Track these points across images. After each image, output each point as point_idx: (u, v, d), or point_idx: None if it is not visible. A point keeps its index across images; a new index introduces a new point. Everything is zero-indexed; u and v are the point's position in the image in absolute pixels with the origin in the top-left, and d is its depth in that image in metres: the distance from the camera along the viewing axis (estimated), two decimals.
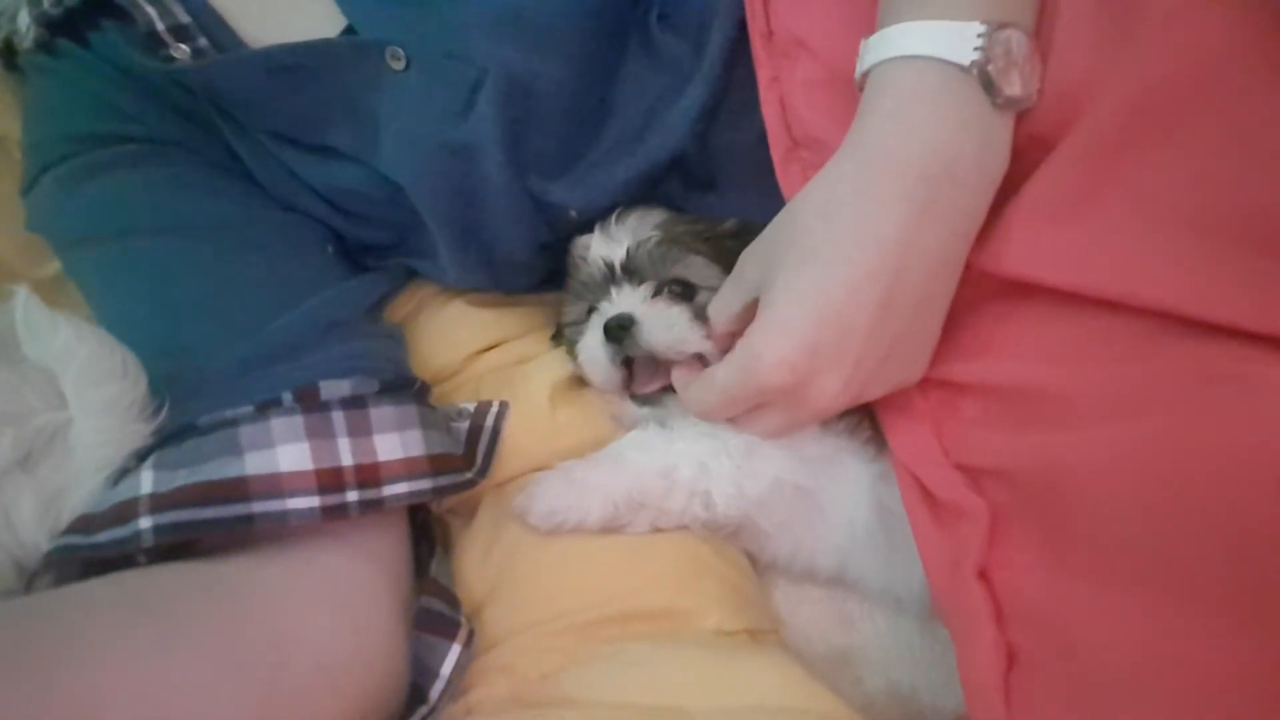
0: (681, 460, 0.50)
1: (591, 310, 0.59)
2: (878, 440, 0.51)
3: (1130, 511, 0.34)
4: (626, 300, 0.56)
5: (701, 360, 0.54)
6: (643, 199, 0.62)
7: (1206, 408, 0.33)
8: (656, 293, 0.57)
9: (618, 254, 0.58)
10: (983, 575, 0.40)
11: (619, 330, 0.54)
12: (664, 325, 0.54)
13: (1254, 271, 0.34)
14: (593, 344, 0.56)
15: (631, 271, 0.58)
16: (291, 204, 0.63)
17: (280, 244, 0.61)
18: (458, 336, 0.66)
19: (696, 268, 0.58)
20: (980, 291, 0.44)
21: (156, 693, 0.38)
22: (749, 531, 0.54)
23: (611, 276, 0.58)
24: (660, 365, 0.55)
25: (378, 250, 0.67)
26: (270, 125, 0.61)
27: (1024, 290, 0.41)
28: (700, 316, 0.54)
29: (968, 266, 0.43)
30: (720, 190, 0.63)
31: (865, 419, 0.52)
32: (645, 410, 0.57)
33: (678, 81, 0.58)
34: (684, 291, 0.57)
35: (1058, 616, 0.36)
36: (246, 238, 0.59)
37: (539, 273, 0.66)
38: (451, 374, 0.65)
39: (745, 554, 0.56)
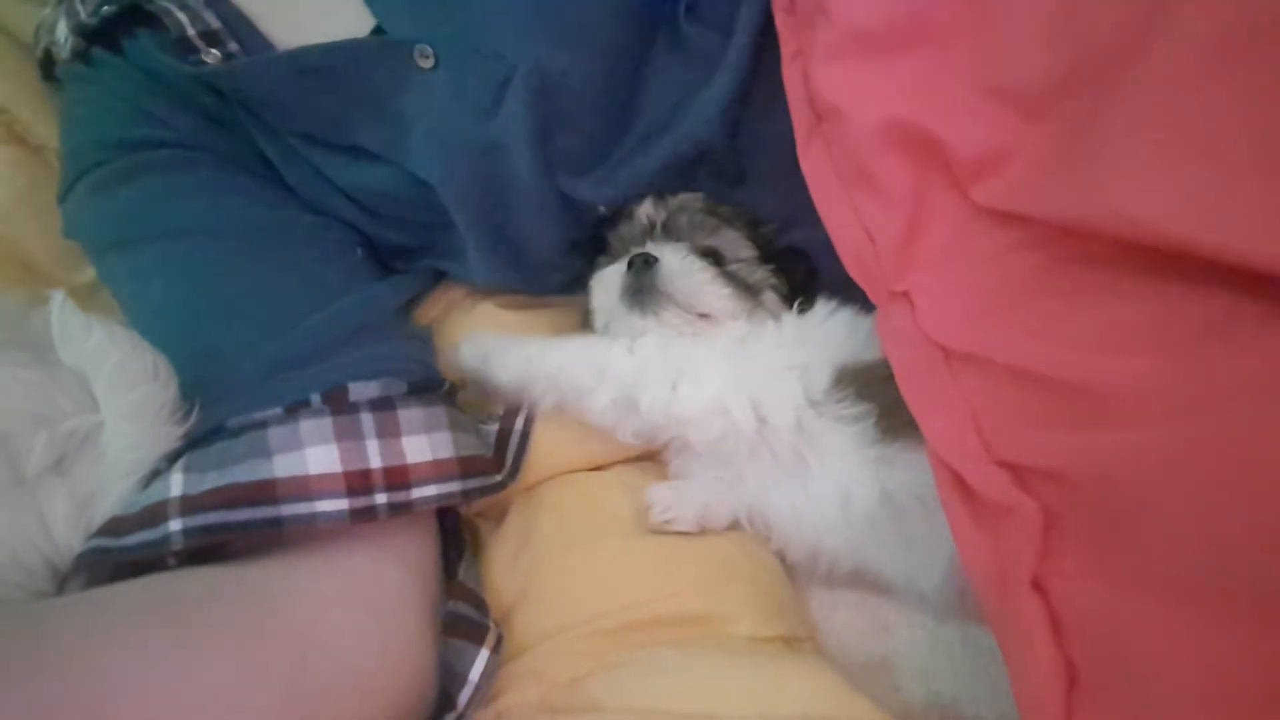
0: (624, 357, 0.52)
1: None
2: (884, 424, 0.50)
3: (1194, 521, 0.32)
4: (658, 250, 0.59)
5: (705, 320, 0.57)
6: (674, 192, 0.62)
7: (1272, 407, 0.31)
8: (688, 253, 0.59)
9: (660, 215, 0.61)
10: (1036, 585, 0.37)
11: (643, 265, 0.57)
12: (684, 272, 0.57)
13: None
14: (612, 273, 0.59)
15: (670, 230, 0.61)
16: (321, 207, 0.63)
17: (310, 247, 0.61)
18: None
19: (730, 241, 0.61)
20: (1043, 256, 0.41)
21: (176, 692, 0.38)
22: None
23: (651, 233, 0.61)
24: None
25: (407, 252, 0.68)
26: (300, 127, 0.61)
27: (1087, 259, 0.39)
28: (722, 282, 0.57)
29: (1041, 223, 0.41)
30: (750, 184, 0.63)
31: (870, 404, 0.51)
32: (635, 332, 0.57)
33: (706, 74, 0.57)
34: (714, 259, 0.60)
35: (1120, 632, 0.33)
36: (277, 241, 0.60)
37: (568, 272, 0.66)
38: None
39: (779, 560, 0.56)
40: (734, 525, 0.56)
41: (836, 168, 0.53)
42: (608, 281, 0.59)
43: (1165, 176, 0.35)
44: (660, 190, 0.62)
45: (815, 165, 0.53)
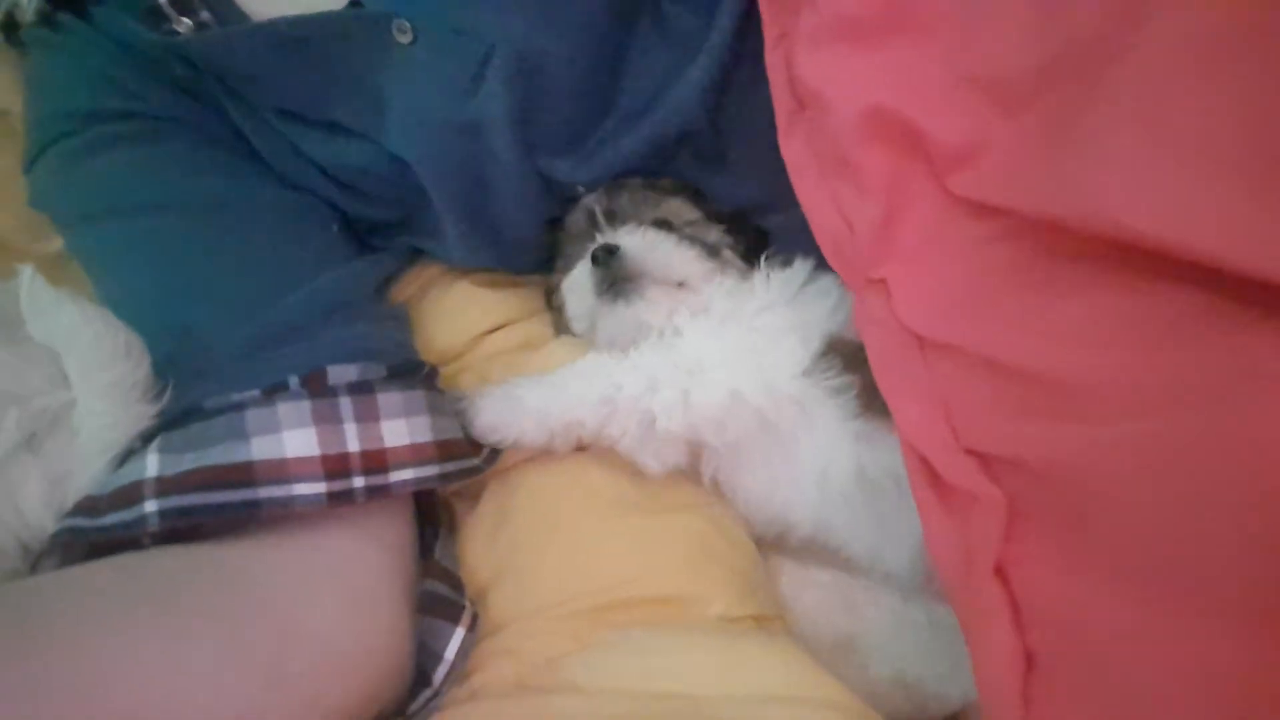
0: (628, 378, 0.51)
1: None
2: (865, 399, 0.50)
3: (1156, 514, 0.33)
4: (613, 237, 0.58)
5: (683, 288, 0.57)
6: (654, 174, 0.62)
7: (1240, 405, 0.31)
8: (643, 230, 0.59)
9: (602, 203, 0.61)
10: (999, 571, 0.39)
11: (606, 256, 0.56)
12: (649, 247, 0.57)
13: None
14: (579, 274, 0.58)
15: (615, 215, 0.60)
16: (297, 182, 0.63)
17: (285, 222, 0.60)
18: (464, 317, 0.65)
19: (675, 208, 0.61)
20: (1017, 247, 0.42)
21: (157, 675, 0.38)
22: (695, 454, 0.55)
23: (597, 224, 0.61)
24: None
25: (383, 229, 0.67)
26: (275, 101, 0.60)
27: (1062, 252, 0.39)
28: (687, 244, 0.57)
29: (1017, 215, 0.41)
30: (731, 166, 0.63)
31: (854, 376, 0.51)
32: (622, 323, 0.57)
33: (688, 56, 0.57)
34: (666, 229, 0.59)
35: (1077, 620, 0.35)
36: (251, 216, 0.59)
37: (545, 251, 0.65)
38: (457, 355, 0.65)
39: (751, 538, 0.56)
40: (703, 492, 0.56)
41: (817, 155, 0.54)
42: (579, 283, 0.58)
43: (1149, 178, 0.35)
44: (598, 182, 0.62)
45: (796, 151, 0.54)
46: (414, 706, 0.46)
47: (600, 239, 0.58)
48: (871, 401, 0.50)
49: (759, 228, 0.63)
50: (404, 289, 0.68)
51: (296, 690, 0.42)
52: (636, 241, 0.57)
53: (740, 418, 0.51)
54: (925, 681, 0.50)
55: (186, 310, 0.54)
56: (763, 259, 0.58)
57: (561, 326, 0.64)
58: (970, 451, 0.43)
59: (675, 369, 0.51)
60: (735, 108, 0.59)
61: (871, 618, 0.54)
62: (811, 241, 0.51)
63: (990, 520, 0.41)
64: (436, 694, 0.47)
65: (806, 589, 0.55)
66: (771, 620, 0.51)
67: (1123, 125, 0.38)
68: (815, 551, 0.55)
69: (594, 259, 0.56)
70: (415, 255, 0.69)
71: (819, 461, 0.51)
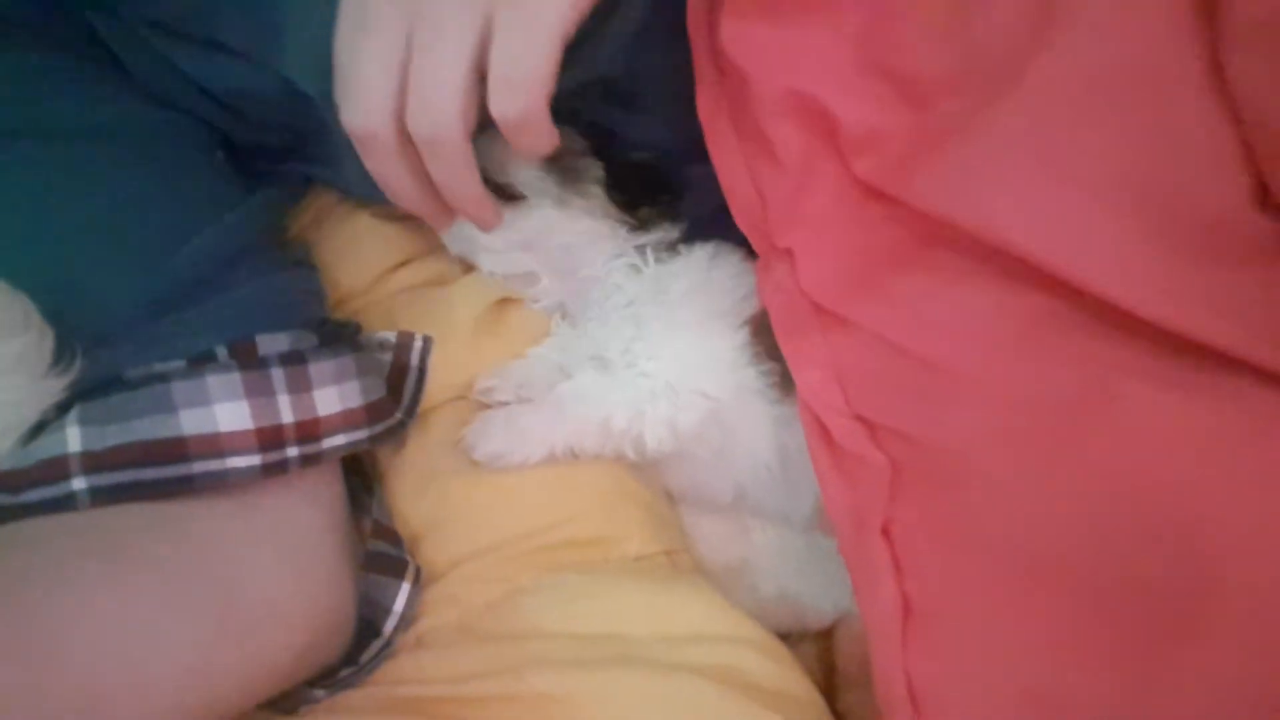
0: (617, 410, 0.54)
1: None
2: (784, 384, 0.55)
3: (1015, 498, 0.41)
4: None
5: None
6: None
7: (1088, 418, 0.39)
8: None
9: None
10: (884, 531, 0.46)
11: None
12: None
13: (1168, 263, 0.36)
14: None
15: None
16: (171, 101, 0.56)
17: (165, 152, 0.55)
18: (367, 254, 0.64)
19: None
20: (908, 233, 0.46)
21: (110, 629, 0.39)
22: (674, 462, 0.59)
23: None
24: None
25: (271, 154, 0.62)
26: (148, 12, 0.53)
27: (944, 242, 0.44)
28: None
29: (902, 204, 0.44)
30: (639, 109, 0.63)
31: (776, 361, 0.55)
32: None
33: (601, 7, 0.55)
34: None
35: (945, 578, 0.43)
36: (125, 144, 0.53)
37: None
38: (361, 294, 0.64)
39: None
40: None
41: (734, 120, 0.55)
42: None
43: (1040, 208, 0.40)
44: None
45: (711, 111, 0.55)
46: (365, 656, 0.50)
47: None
48: (789, 384, 0.54)
49: (653, 182, 0.62)
50: (297, 219, 0.65)
51: (243, 644, 0.44)
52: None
53: (710, 421, 0.55)
54: (803, 597, 0.60)
55: (66, 259, 0.49)
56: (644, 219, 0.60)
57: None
58: (859, 418, 0.50)
59: (658, 399, 0.53)
60: (652, 54, 0.58)
61: (759, 543, 0.62)
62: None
63: (876, 482, 0.48)
64: (387, 644, 0.50)
65: (703, 519, 0.62)
66: (678, 553, 0.58)
67: (1019, 149, 0.42)
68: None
69: None
70: (307, 182, 0.65)
71: (751, 450, 0.56)
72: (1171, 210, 0.37)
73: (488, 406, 0.58)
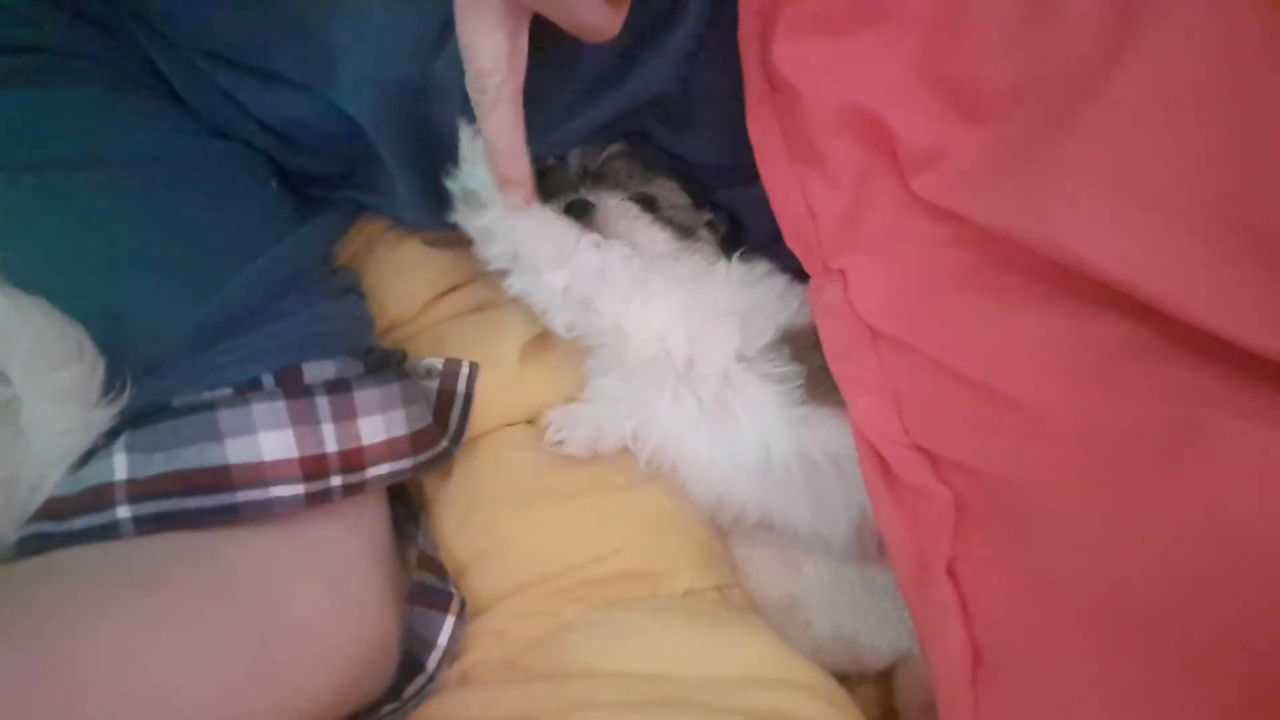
0: (587, 253, 0.52)
1: None
2: (810, 386, 0.53)
3: (1091, 540, 0.38)
4: (594, 196, 0.58)
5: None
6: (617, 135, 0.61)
7: (1171, 457, 0.36)
8: (624, 198, 0.59)
9: (592, 164, 0.60)
10: (950, 571, 0.43)
11: (580, 209, 0.56)
12: (621, 214, 0.57)
13: (1258, 286, 0.34)
14: None
15: (603, 178, 0.60)
16: (227, 131, 0.57)
17: (219, 180, 0.55)
18: (415, 281, 0.64)
19: (664, 188, 0.61)
20: (972, 253, 0.44)
21: (144, 660, 0.39)
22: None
23: (584, 181, 0.60)
24: None
25: (324, 182, 0.63)
26: (204, 44, 0.54)
27: (1011, 264, 0.42)
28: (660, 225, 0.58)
29: (966, 223, 0.43)
30: (696, 129, 0.62)
31: (800, 365, 0.54)
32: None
33: (660, 21, 0.55)
34: (648, 205, 0.60)
35: (1015, 623, 0.40)
36: (181, 172, 0.54)
37: None
38: (409, 320, 0.63)
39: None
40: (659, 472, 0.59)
41: (786, 138, 0.54)
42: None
43: (1113, 224, 0.38)
44: (590, 140, 0.60)
45: (762, 129, 0.54)
46: (409, 691, 0.49)
47: (581, 194, 0.58)
48: (816, 389, 0.53)
49: (738, 223, 0.63)
50: (347, 244, 0.65)
51: (282, 677, 0.44)
52: (612, 205, 0.57)
53: (655, 352, 0.53)
54: (859, 635, 0.57)
55: (118, 286, 0.49)
56: (735, 256, 0.59)
57: None
58: (919, 448, 0.47)
59: (629, 273, 0.53)
60: (708, 72, 0.57)
61: (811, 577, 0.59)
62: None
63: (939, 518, 0.45)
64: (431, 679, 0.49)
65: (755, 552, 0.60)
66: (730, 588, 0.56)
67: (1091, 165, 0.40)
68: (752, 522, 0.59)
69: (566, 208, 0.55)
70: (359, 209, 0.65)
71: (759, 442, 0.54)
72: (1262, 230, 0.35)
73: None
